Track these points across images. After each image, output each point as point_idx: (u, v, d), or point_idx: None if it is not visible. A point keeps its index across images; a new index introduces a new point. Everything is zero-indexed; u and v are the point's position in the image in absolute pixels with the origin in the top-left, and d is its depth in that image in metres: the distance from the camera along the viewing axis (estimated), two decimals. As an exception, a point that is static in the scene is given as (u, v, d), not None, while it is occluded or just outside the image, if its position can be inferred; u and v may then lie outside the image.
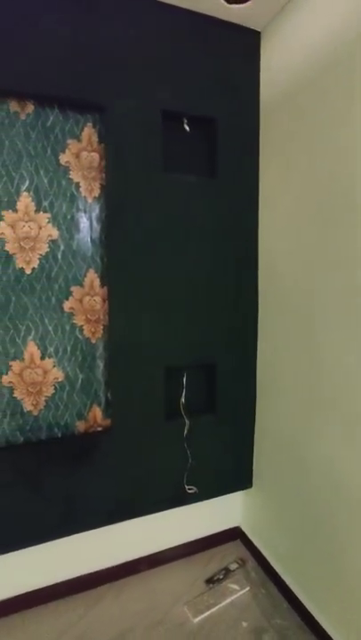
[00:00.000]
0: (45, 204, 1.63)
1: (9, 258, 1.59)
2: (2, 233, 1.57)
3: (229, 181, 1.86)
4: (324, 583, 1.59)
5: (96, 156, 1.69)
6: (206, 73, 1.78)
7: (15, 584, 1.75)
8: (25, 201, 1.60)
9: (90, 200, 1.71)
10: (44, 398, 1.70)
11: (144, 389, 1.80)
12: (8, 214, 1.57)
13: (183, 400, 1.92)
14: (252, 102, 1.87)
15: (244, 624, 1.69)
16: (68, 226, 1.68)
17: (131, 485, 1.81)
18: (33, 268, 1.63)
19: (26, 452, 1.65)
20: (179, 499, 1.91)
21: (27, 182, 1.59)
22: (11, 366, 1.64)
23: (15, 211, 1.58)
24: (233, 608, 1.78)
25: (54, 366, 1.71)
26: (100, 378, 1.79)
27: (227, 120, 1.83)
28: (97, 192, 1.71)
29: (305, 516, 1.68)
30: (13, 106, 1.55)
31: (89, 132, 1.68)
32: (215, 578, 1.92)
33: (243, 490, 2.12)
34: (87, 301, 1.74)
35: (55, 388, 1.72)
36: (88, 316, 1.74)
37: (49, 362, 1.70)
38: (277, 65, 1.74)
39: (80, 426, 1.78)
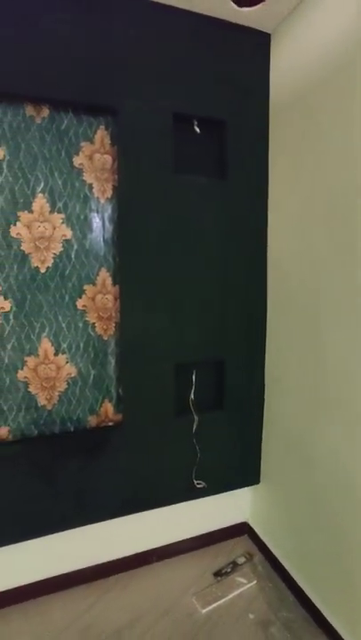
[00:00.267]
0: (60, 204, 1.68)
1: (25, 257, 1.65)
2: (18, 233, 1.62)
3: (239, 182, 1.89)
4: (330, 577, 1.62)
5: (109, 157, 1.74)
6: (217, 75, 1.80)
7: (29, 572, 1.81)
8: (40, 202, 1.65)
9: (102, 201, 1.75)
10: (57, 393, 1.76)
11: (154, 386, 1.84)
12: (24, 215, 1.63)
13: (192, 397, 1.96)
14: (262, 103, 1.89)
15: (251, 616, 1.73)
16: (81, 226, 1.73)
17: (141, 479, 1.85)
18: (47, 267, 1.69)
19: (40, 445, 1.71)
20: (187, 493, 1.95)
21: (42, 184, 1.65)
22: (26, 362, 1.69)
23: (31, 211, 1.64)
24: (240, 600, 1.81)
25: (67, 362, 1.76)
26: (111, 374, 1.84)
27: (237, 121, 1.85)
28: (109, 193, 1.76)
29: (312, 512, 1.71)
30: (29, 110, 1.60)
31: (102, 135, 1.72)
32: (223, 571, 1.96)
33: (250, 486, 2.15)
34: (99, 299, 1.79)
35: (68, 384, 1.77)
36: (100, 313, 1.79)
37: (62, 358, 1.75)
38: (287, 66, 1.76)
39: (92, 420, 1.83)
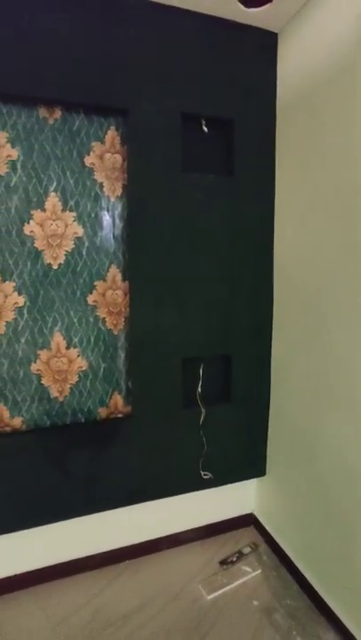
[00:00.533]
0: (71, 203, 1.74)
1: (38, 254, 1.71)
2: (31, 231, 1.69)
3: (246, 180, 1.92)
4: (334, 568, 1.66)
5: (119, 157, 1.79)
6: (224, 75, 1.84)
7: (41, 557, 1.88)
8: (53, 201, 1.71)
9: (113, 199, 1.81)
10: (69, 385, 1.83)
11: (163, 379, 1.89)
12: (37, 213, 1.69)
13: (200, 390, 2.01)
14: (269, 102, 1.92)
15: (256, 603, 1.78)
16: (92, 224, 1.78)
17: (149, 469, 1.91)
18: (59, 264, 1.75)
19: (52, 435, 1.78)
20: (194, 483, 2.01)
21: (54, 183, 1.70)
22: (39, 355, 1.76)
23: (44, 210, 1.70)
24: (245, 588, 1.87)
25: (79, 356, 1.82)
26: (121, 367, 1.90)
27: (244, 120, 1.88)
28: (119, 191, 1.81)
29: (316, 504, 1.75)
30: (42, 112, 1.66)
31: (112, 135, 1.77)
32: (229, 560, 2.02)
33: (256, 478, 2.20)
34: (110, 295, 1.84)
35: (79, 376, 1.84)
36: (110, 308, 1.85)
37: (74, 351, 1.82)
38: (294, 65, 1.79)
39: (102, 412, 1.90)
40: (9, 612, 1.73)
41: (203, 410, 1.98)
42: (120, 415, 1.93)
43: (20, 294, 1.70)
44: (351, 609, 1.57)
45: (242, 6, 1.71)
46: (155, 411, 1.89)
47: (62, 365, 1.80)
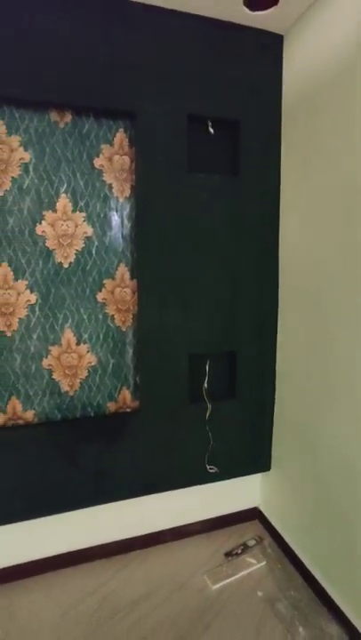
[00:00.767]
0: (81, 204, 1.80)
1: (49, 253, 1.77)
2: (43, 231, 1.75)
3: (251, 180, 1.96)
4: (337, 562, 1.69)
5: (127, 159, 1.84)
6: (230, 77, 1.87)
7: (53, 545, 1.95)
8: (63, 202, 1.77)
9: (121, 200, 1.86)
10: (78, 380, 1.89)
11: (170, 375, 1.95)
12: (49, 214, 1.75)
13: (206, 385, 2.06)
14: (275, 103, 1.95)
15: (260, 593, 1.82)
16: (101, 224, 1.84)
17: (156, 462, 1.97)
18: (70, 263, 1.81)
19: (63, 428, 1.85)
20: (200, 477, 2.05)
21: (65, 185, 1.76)
22: (50, 351, 1.83)
23: (55, 211, 1.76)
24: (250, 579, 1.91)
25: (88, 351, 1.89)
26: (129, 363, 1.96)
27: (249, 121, 1.92)
28: (128, 192, 1.86)
29: (320, 499, 1.78)
30: (53, 116, 1.72)
31: (121, 137, 1.83)
32: (234, 552, 2.06)
33: (261, 472, 2.24)
34: (118, 293, 1.90)
35: (89, 372, 1.90)
36: (119, 306, 1.91)
37: (84, 347, 1.88)
38: (299, 67, 1.82)
39: (111, 406, 1.96)
40: (21, 598, 1.80)
41: (209, 405, 2.02)
42: (128, 410, 1.99)
43: (32, 292, 1.77)
44: (353, 601, 1.61)
45: (247, 10, 1.75)
46: (162, 406, 1.95)
47: (72, 361, 1.87)
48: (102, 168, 1.82)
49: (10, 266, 1.73)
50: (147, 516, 2.10)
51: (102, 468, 1.88)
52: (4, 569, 1.87)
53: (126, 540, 2.07)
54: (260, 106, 1.93)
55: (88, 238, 1.83)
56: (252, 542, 2.13)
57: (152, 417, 1.94)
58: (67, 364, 1.86)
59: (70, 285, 1.82)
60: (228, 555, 2.05)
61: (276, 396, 2.14)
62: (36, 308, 1.78)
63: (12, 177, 1.69)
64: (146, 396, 1.93)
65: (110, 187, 1.84)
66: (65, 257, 1.80)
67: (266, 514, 2.28)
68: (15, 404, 1.80)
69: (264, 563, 2.00)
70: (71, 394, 1.88)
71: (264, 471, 2.22)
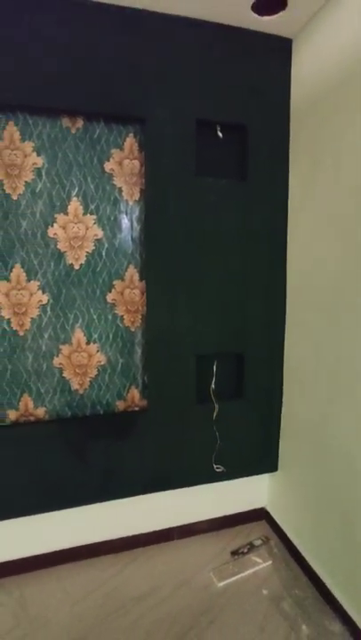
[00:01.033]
0: (92, 207, 1.85)
1: (60, 255, 1.83)
2: (55, 233, 1.80)
3: (260, 184, 1.97)
4: (343, 562, 1.70)
5: (137, 163, 1.88)
6: (238, 81, 1.90)
7: (63, 539, 2.01)
8: (74, 205, 1.82)
9: (131, 203, 1.90)
10: (88, 379, 1.94)
11: (178, 374, 1.98)
12: (60, 217, 1.80)
13: (213, 386, 2.08)
14: (284, 107, 1.96)
15: (265, 592, 1.84)
16: (111, 226, 1.89)
17: (164, 460, 2.00)
18: (81, 264, 1.86)
19: (73, 426, 1.90)
20: (207, 476, 2.08)
21: (76, 188, 1.81)
22: (61, 350, 1.88)
23: (66, 214, 1.81)
24: (255, 577, 1.93)
25: (98, 351, 1.93)
26: (138, 362, 2.00)
27: (258, 125, 1.94)
28: (137, 196, 1.90)
29: (327, 500, 1.79)
30: (65, 122, 1.77)
31: (131, 142, 1.87)
32: (240, 551, 2.08)
33: (269, 473, 2.25)
34: (127, 294, 1.94)
35: (98, 371, 1.95)
36: (128, 306, 1.95)
37: (93, 347, 1.92)
38: (308, 71, 1.83)
39: (120, 405, 2.00)
40: (32, 589, 1.86)
41: (216, 405, 2.05)
42: (137, 408, 2.03)
43: (43, 293, 1.82)
44: (357, 600, 1.61)
45: (255, 15, 1.78)
46: (170, 405, 1.98)
47: (83, 360, 1.92)
48: (113, 172, 1.86)
49: (23, 267, 1.78)
50: (155, 514, 2.14)
51: (111, 465, 1.92)
52: (17, 560, 1.93)
53: (134, 536, 2.11)
54: (268, 110, 1.95)
55: (98, 240, 1.87)
56: (258, 542, 2.15)
57: (160, 416, 1.97)
58: (77, 363, 1.91)
59: (81, 286, 1.87)
60: (234, 553, 2.08)
61: (283, 397, 2.15)
62: (48, 308, 1.84)
63: (26, 181, 1.75)
64: (154, 396, 1.97)
65: (120, 190, 1.88)
66: (76, 259, 1.85)
67: (273, 514, 2.29)
68: (27, 401, 1.86)
69: (270, 562, 2.01)
70: (81, 392, 1.93)
71: (271, 472, 2.23)
